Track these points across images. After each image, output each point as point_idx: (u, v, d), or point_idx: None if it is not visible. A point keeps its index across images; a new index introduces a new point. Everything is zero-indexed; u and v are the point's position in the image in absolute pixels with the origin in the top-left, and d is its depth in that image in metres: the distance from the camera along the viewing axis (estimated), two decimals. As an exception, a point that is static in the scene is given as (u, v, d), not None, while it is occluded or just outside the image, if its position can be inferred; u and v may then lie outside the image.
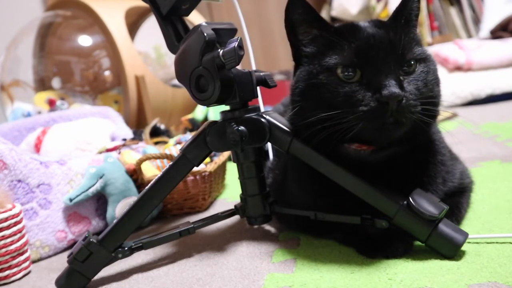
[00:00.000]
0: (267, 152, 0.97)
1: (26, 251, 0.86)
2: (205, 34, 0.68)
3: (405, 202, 0.63)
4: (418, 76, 0.64)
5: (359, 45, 0.63)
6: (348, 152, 0.66)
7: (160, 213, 1.10)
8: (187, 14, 0.77)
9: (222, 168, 1.20)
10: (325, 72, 0.64)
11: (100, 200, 1.04)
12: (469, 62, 2.19)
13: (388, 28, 0.64)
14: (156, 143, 1.49)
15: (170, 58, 2.22)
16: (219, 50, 0.67)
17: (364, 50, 0.62)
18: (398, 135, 0.63)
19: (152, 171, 1.08)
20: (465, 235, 0.62)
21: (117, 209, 1.00)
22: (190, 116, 1.74)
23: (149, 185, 0.75)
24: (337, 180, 0.67)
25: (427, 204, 0.62)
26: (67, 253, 0.82)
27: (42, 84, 2.13)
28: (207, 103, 0.70)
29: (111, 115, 1.48)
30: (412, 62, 0.64)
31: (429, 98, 0.64)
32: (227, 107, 0.76)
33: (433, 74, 0.66)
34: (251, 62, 0.96)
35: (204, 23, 0.70)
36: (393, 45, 0.62)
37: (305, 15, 0.67)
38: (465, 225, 0.72)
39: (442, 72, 1.56)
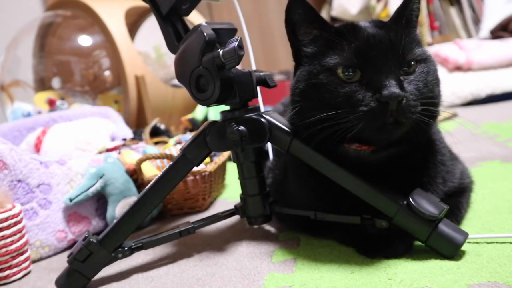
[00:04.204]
0: (267, 152, 0.97)
1: (26, 251, 0.86)
2: (205, 34, 0.68)
3: (405, 202, 0.63)
4: (418, 76, 0.64)
5: (360, 45, 0.63)
6: (348, 152, 0.66)
7: (160, 213, 1.10)
8: (187, 14, 0.77)
9: (222, 168, 1.20)
10: (325, 72, 0.64)
11: (100, 200, 1.04)
12: (469, 62, 2.19)
13: (388, 29, 0.64)
14: (156, 143, 1.49)
15: (170, 58, 2.22)
16: (219, 50, 0.67)
17: (364, 50, 0.62)
18: (398, 135, 0.63)
19: (152, 171, 1.08)
20: (465, 235, 0.62)
21: (117, 209, 1.00)
22: (190, 116, 1.74)
23: (149, 185, 0.75)
24: (337, 180, 0.67)
25: (427, 204, 0.62)
26: (67, 253, 0.82)
27: (42, 84, 2.13)
28: (207, 103, 0.70)
29: (111, 115, 1.48)
30: (413, 63, 0.64)
31: (429, 99, 0.64)
32: (227, 107, 0.76)
33: (433, 75, 0.66)
34: (251, 62, 0.96)
35: (204, 23, 0.70)
36: (393, 46, 0.62)
37: (305, 15, 0.67)
38: (465, 225, 0.72)
39: (442, 72, 1.56)
